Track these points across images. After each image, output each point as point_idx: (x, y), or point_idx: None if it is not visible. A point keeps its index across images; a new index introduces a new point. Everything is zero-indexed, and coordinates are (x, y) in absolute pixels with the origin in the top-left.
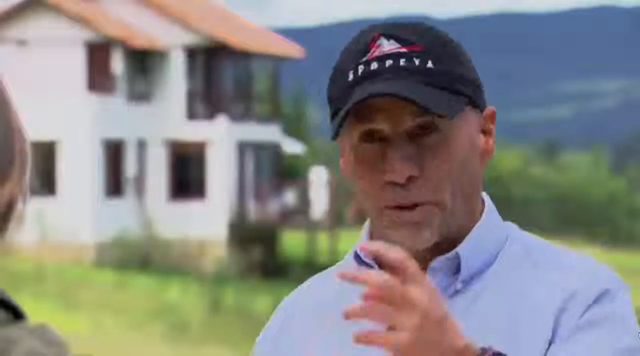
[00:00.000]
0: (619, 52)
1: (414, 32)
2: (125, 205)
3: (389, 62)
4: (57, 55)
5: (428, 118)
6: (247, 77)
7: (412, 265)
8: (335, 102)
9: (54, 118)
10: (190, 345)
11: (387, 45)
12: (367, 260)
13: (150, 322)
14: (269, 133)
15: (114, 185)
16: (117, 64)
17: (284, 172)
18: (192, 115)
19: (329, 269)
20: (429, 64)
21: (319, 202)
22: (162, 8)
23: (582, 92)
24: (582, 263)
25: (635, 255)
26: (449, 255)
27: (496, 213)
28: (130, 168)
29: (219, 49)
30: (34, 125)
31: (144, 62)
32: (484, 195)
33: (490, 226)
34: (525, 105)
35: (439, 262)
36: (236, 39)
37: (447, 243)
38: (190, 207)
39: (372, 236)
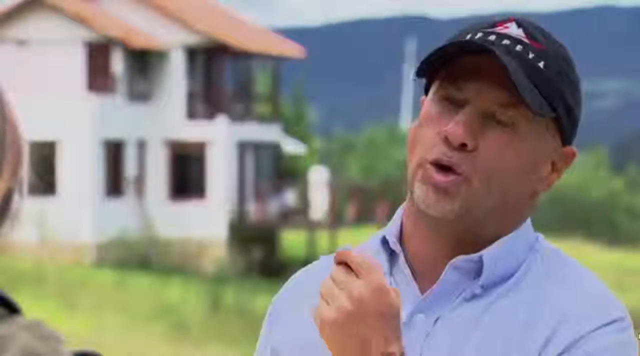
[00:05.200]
0: (619, 52)
1: (544, 35)
2: (125, 205)
3: (505, 42)
4: (57, 55)
5: (510, 113)
6: (247, 77)
7: (370, 264)
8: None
9: (54, 118)
10: (190, 344)
11: (514, 30)
12: (393, 247)
13: (150, 322)
14: (269, 133)
15: (114, 185)
16: (117, 64)
17: (284, 172)
18: (192, 115)
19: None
20: (541, 64)
21: (319, 202)
22: (162, 8)
23: (582, 92)
24: (596, 288)
25: (635, 255)
26: (472, 257)
27: (531, 229)
28: (130, 168)
29: (219, 49)
30: (34, 125)
31: (144, 62)
32: (530, 226)
33: (520, 238)
34: None
35: (460, 261)
36: (236, 39)
37: (470, 246)
38: (190, 207)
39: (403, 219)
